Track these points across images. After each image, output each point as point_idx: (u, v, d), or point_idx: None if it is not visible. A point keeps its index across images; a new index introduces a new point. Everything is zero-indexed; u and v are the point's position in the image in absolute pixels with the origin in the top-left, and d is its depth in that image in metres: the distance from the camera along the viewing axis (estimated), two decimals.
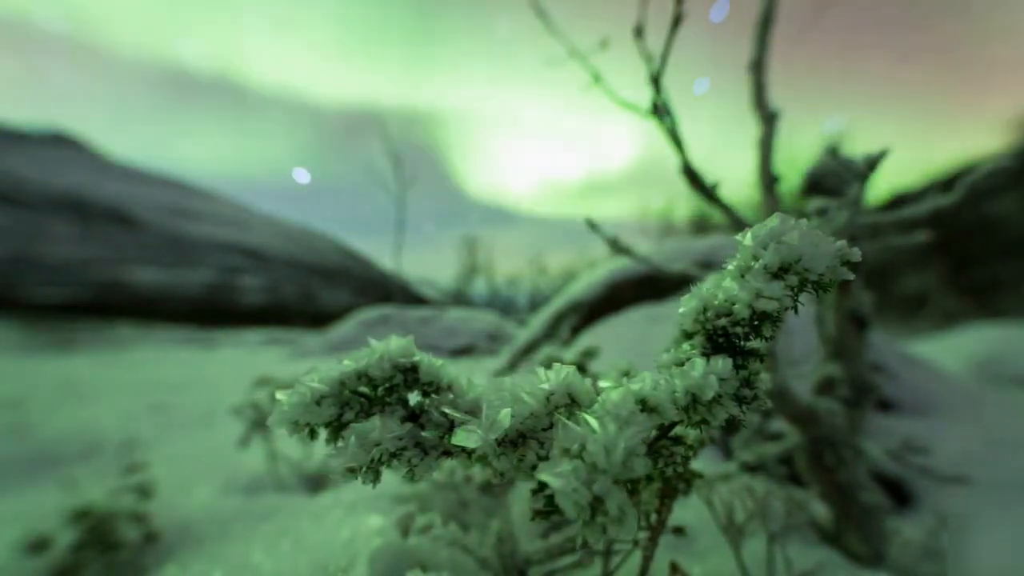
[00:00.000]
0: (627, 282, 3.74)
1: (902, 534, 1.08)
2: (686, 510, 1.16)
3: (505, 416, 0.39)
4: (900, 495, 1.40)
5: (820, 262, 0.37)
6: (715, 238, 3.83)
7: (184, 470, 1.76)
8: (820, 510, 1.13)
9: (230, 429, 2.12)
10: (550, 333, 3.96)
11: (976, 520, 1.31)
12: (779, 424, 1.38)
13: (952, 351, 4.34)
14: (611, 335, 3.00)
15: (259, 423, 1.60)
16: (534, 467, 0.38)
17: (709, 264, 3.09)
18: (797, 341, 1.90)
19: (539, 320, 4.12)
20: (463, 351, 7.02)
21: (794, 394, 1.12)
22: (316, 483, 1.59)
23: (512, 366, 3.74)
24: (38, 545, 1.00)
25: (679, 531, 0.68)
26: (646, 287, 3.59)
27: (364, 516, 0.99)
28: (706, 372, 0.36)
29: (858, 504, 1.06)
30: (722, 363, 0.37)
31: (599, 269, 4.09)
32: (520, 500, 1.10)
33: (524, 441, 0.40)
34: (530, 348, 3.82)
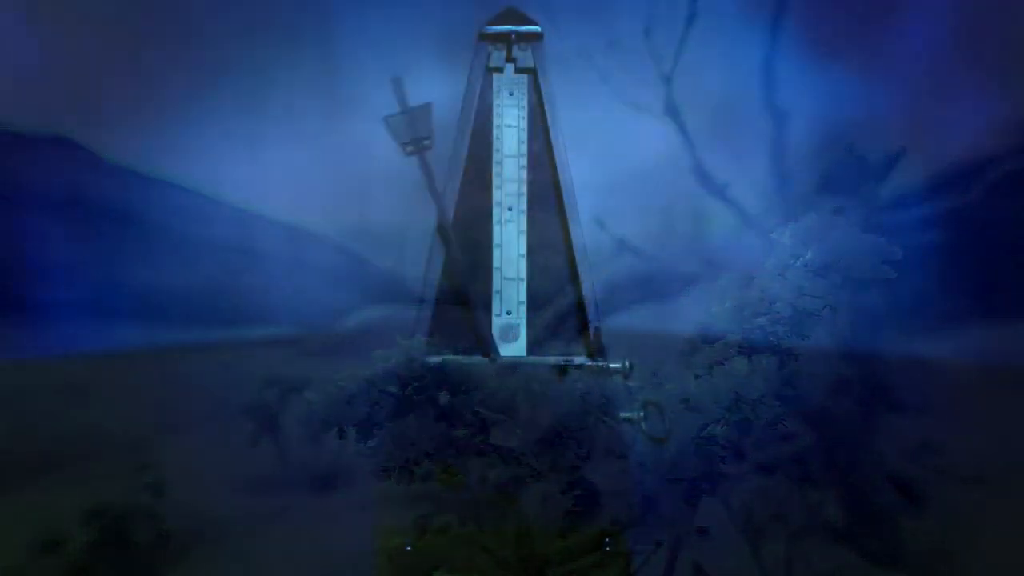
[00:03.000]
0: (630, 281, 3.73)
1: (916, 535, 1.08)
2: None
3: (544, 415, 0.39)
4: (911, 495, 1.40)
5: (862, 260, 0.37)
6: (719, 238, 3.83)
7: (191, 470, 1.75)
8: (835, 511, 1.13)
9: (235, 429, 2.11)
10: (553, 333, 3.96)
11: (987, 520, 1.31)
12: (792, 424, 1.38)
13: (954, 351, 4.34)
14: (614, 334, 3.00)
15: (267, 423, 1.59)
16: (573, 467, 0.38)
17: (714, 263, 3.09)
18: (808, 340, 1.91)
19: (542, 320, 4.12)
20: (465, 351, 7.03)
21: (807, 393, 1.12)
22: (326, 483, 1.59)
23: (515, 366, 3.75)
24: (52, 545, 1.00)
25: (703, 531, 0.68)
26: (649, 286, 3.58)
27: (379, 516, 0.99)
28: (750, 371, 0.36)
29: (873, 505, 1.06)
30: (765, 362, 0.36)
31: (602, 268, 4.09)
32: (533, 500, 1.10)
33: (561, 440, 0.40)
34: (533, 348, 3.82)
